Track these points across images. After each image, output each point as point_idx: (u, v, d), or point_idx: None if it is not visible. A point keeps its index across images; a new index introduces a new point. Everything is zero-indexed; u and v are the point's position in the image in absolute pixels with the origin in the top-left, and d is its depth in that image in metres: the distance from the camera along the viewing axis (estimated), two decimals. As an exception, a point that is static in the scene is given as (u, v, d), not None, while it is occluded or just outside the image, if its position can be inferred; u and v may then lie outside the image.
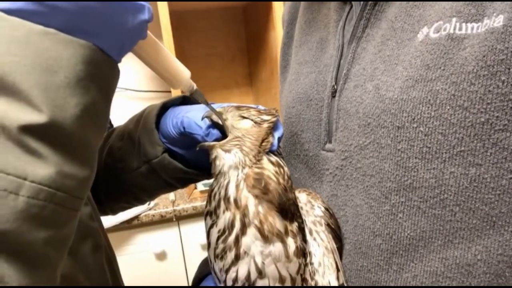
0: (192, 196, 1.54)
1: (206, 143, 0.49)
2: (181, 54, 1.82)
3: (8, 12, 0.30)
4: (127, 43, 0.38)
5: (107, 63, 0.35)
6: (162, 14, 1.35)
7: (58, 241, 0.32)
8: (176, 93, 1.43)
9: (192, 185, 1.54)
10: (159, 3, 1.34)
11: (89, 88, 0.33)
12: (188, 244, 1.53)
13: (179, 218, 1.49)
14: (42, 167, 0.30)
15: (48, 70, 0.31)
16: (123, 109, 1.80)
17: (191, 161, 0.58)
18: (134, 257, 1.48)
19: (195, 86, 0.50)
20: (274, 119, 0.50)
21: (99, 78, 0.35)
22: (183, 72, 0.49)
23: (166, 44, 1.37)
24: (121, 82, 1.83)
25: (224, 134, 0.49)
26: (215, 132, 0.49)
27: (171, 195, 1.51)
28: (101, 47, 0.34)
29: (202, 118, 0.50)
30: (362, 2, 0.54)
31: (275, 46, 1.53)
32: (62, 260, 0.34)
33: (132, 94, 1.81)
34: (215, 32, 1.88)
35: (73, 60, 0.32)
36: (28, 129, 0.29)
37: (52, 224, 0.31)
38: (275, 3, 1.45)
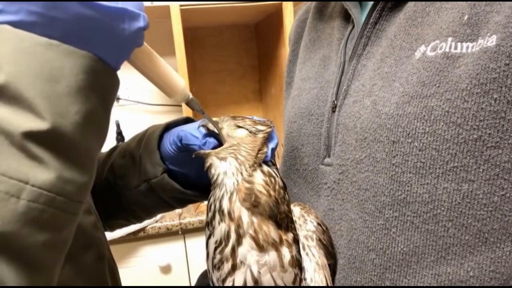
0: (198, 210, 1.55)
1: (202, 151, 0.50)
2: (193, 69, 1.86)
3: (13, 24, 0.32)
4: (124, 51, 0.39)
5: (106, 71, 0.37)
6: (176, 30, 1.39)
7: (56, 244, 0.33)
8: (186, 107, 1.46)
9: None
10: (173, 20, 1.38)
11: (89, 96, 0.35)
12: (193, 258, 1.53)
13: (185, 231, 1.49)
14: (43, 172, 0.31)
15: (51, 79, 0.32)
16: (135, 122, 1.84)
17: (193, 180, 0.59)
18: (138, 269, 1.49)
19: (190, 96, 0.52)
20: (269, 129, 0.51)
21: (99, 87, 0.36)
22: (178, 81, 0.50)
23: (179, 60, 1.41)
24: (133, 95, 1.88)
25: (220, 144, 0.50)
26: (212, 141, 0.51)
27: (178, 208, 1.52)
28: (100, 56, 0.36)
29: (198, 127, 0.51)
30: (363, 22, 0.56)
31: (285, 63, 1.55)
32: (59, 262, 0.35)
33: (144, 107, 1.85)
34: (227, 48, 1.92)
35: (74, 70, 0.33)
36: (31, 135, 0.31)
37: (51, 227, 0.32)
38: (286, 22, 1.48)
